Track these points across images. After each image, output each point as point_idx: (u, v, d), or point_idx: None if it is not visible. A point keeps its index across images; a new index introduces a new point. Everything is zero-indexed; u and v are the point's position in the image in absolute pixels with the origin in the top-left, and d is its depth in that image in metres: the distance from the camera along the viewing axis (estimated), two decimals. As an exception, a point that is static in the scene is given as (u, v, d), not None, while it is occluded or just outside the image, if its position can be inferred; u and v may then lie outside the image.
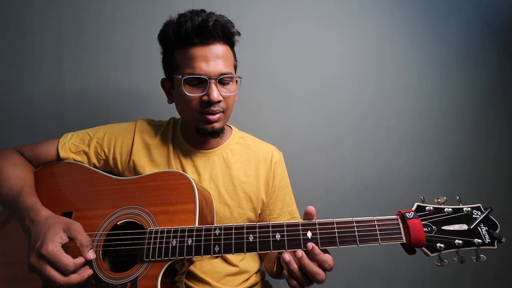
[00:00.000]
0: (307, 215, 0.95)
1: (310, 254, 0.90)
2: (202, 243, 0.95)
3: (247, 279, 1.30)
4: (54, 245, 0.89)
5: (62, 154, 1.23)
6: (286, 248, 0.92)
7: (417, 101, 1.87)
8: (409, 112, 1.87)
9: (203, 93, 1.12)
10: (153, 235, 0.98)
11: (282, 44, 1.81)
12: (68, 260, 0.88)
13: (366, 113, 1.85)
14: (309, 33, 1.82)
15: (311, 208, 0.95)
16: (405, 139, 1.87)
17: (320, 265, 0.89)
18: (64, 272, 0.88)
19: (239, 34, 1.20)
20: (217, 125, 1.17)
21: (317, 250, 0.89)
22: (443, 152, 1.88)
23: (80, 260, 0.91)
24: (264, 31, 1.80)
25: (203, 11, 1.13)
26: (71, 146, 1.25)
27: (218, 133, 1.20)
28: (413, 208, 0.92)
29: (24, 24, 1.71)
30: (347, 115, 1.85)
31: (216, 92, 1.11)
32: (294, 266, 0.91)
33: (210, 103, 1.12)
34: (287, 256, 0.91)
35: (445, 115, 1.87)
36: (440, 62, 1.87)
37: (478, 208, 0.91)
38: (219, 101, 1.13)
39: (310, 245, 0.90)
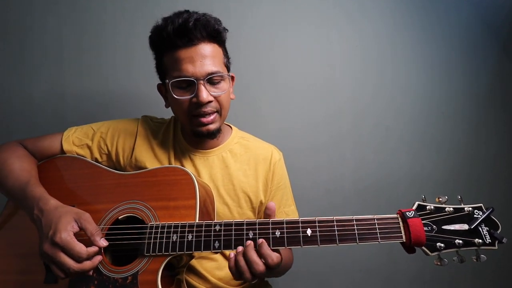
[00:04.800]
0: (267, 210, 0.97)
1: (257, 248, 0.92)
2: (202, 238, 0.96)
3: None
4: (67, 233, 0.92)
5: (66, 147, 1.24)
6: (286, 245, 0.92)
7: (417, 100, 1.87)
8: (409, 111, 1.87)
9: (192, 95, 1.11)
10: (153, 230, 0.99)
11: (282, 44, 1.82)
12: (81, 247, 0.92)
13: (366, 113, 1.86)
14: (309, 32, 1.83)
15: (271, 204, 0.97)
16: (405, 138, 1.87)
17: (265, 260, 0.90)
18: (78, 259, 0.91)
19: (225, 30, 1.19)
20: (212, 126, 1.17)
21: (265, 245, 0.91)
22: (443, 151, 1.88)
23: (93, 248, 0.94)
24: (264, 31, 1.81)
25: (186, 11, 1.13)
26: (74, 140, 1.26)
27: (214, 134, 1.20)
28: (414, 207, 0.92)
29: (24, 24, 1.72)
30: (347, 114, 1.85)
31: (205, 93, 1.10)
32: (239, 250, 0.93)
33: (200, 104, 1.11)
34: (239, 248, 0.93)
35: (445, 115, 1.88)
36: (440, 62, 1.87)
37: (479, 208, 0.91)
38: (210, 102, 1.13)
39: (260, 240, 0.92)
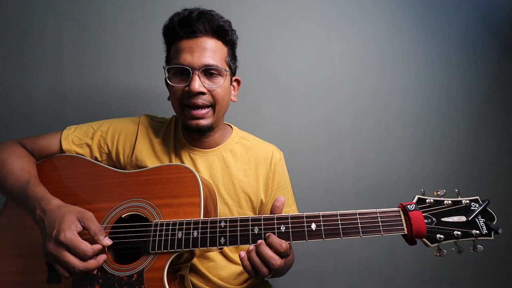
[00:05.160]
0: (276, 202, 0.98)
1: (266, 241, 0.92)
2: (208, 235, 0.96)
3: (248, 278, 1.30)
4: (71, 232, 0.92)
5: (65, 146, 1.23)
6: (291, 239, 0.93)
7: (416, 100, 1.88)
8: (408, 111, 1.88)
9: (186, 84, 1.13)
10: (158, 228, 0.99)
11: (282, 44, 1.83)
12: (86, 246, 0.92)
13: (366, 113, 1.87)
14: (309, 33, 1.84)
15: (281, 197, 0.98)
16: (404, 138, 1.88)
17: (276, 248, 0.91)
18: (83, 257, 0.91)
19: (233, 30, 1.20)
20: (203, 122, 1.16)
21: (272, 235, 0.92)
22: (443, 151, 1.89)
23: (98, 246, 0.94)
24: (264, 31, 1.82)
25: (196, 9, 1.15)
26: (74, 139, 1.24)
27: (204, 131, 1.20)
28: (414, 201, 0.94)
29: (24, 24, 1.72)
30: (347, 114, 1.86)
31: (197, 83, 1.11)
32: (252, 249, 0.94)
33: (191, 93, 1.11)
34: (251, 246, 0.94)
35: (445, 115, 1.89)
36: (440, 62, 1.88)
37: (476, 201, 0.94)
38: (203, 93, 1.13)
39: (267, 234, 0.93)
